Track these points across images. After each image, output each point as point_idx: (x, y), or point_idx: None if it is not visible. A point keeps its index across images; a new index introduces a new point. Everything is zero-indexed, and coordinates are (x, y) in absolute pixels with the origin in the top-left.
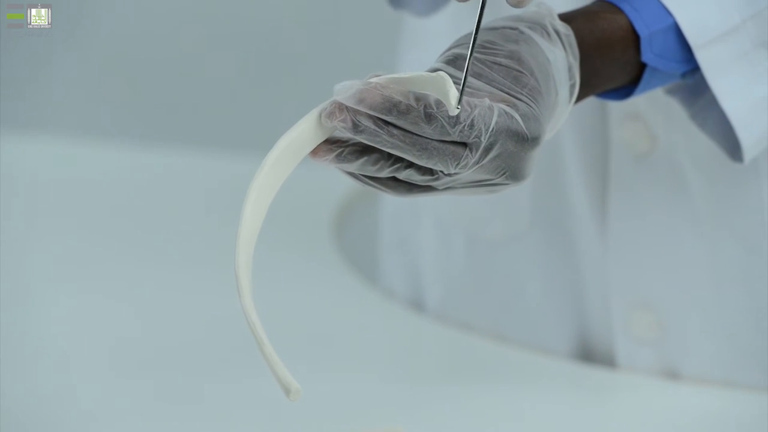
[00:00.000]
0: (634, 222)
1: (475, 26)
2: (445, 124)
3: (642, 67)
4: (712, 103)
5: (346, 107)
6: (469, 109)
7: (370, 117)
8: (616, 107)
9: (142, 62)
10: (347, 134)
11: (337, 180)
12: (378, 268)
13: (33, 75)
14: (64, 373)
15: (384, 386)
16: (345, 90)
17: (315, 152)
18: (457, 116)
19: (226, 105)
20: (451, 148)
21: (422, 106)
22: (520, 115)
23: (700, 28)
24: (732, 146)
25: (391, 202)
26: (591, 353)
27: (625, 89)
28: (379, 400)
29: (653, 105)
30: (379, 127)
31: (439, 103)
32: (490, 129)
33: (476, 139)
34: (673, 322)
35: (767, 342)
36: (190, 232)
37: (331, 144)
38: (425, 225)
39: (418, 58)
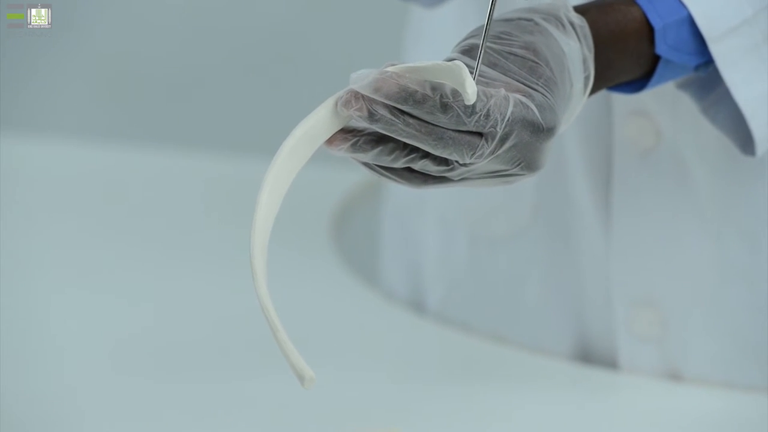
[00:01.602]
0: (638, 218)
1: (487, 15)
2: (461, 113)
3: (655, 59)
4: (724, 97)
5: (362, 96)
6: (485, 99)
7: (386, 106)
8: (620, 103)
9: (142, 63)
10: (363, 123)
11: (337, 179)
12: (378, 268)
13: (32, 76)
14: (64, 372)
15: (383, 387)
16: (361, 78)
17: (330, 141)
18: (473, 106)
19: (228, 106)
20: (467, 137)
21: (438, 96)
22: (535, 106)
23: (713, 21)
24: (743, 140)
25: (393, 200)
26: (592, 352)
27: (638, 82)
28: (379, 400)
29: (658, 100)
30: (394, 116)
31: (455, 93)
32: (506, 119)
33: (492, 129)
34: (676, 319)
35: None
36: (191, 233)
37: (347, 133)
38: (428, 223)
39: (423, 52)
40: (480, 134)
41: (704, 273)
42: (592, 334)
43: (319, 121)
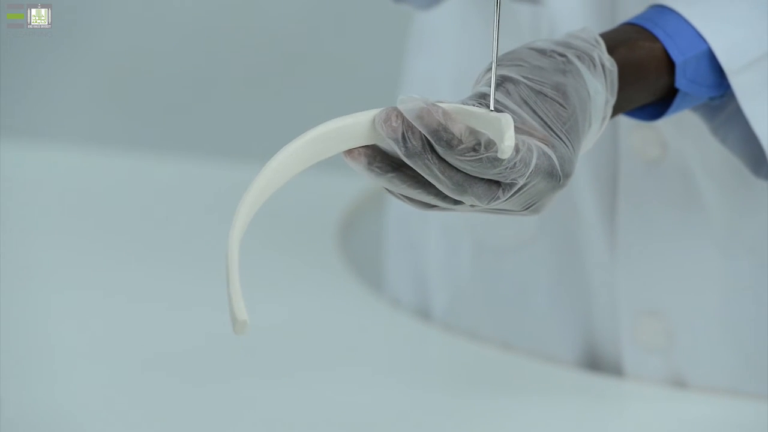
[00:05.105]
0: (643, 229)
1: (492, 54)
2: (488, 164)
3: (670, 89)
4: (733, 119)
5: (402, 118)
6: (515, 153)
7: (420, 137)
8: None
9: (142, 66)
10: (392, 146)
11: (343, 186)
12: (383, 275)
13: (31, 80)
14: (64, 382)
15: (389, 393)
16: (408, 102)
17: (350, 152)
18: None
19: (232, 112)
20: (485, 185)
21: (472, 142)
22: (557, 157)
23: (733, 54)
24: (754, 163)
25: (398, 207)
26: (598, 361)
27: (652, 109)
28: (384, 406)
29: None
30: (424, 150)
31: (489, 145)
32: (529, 172)
33: (513, 181)
34: (682, 330)
35: None
36: (191, 240)
37: (369, 149)
38: (433, 231)
39: (424, 65)
40: (498, 182)
41: (710, 284)
42: (598, 343)
43: (353, 126)
